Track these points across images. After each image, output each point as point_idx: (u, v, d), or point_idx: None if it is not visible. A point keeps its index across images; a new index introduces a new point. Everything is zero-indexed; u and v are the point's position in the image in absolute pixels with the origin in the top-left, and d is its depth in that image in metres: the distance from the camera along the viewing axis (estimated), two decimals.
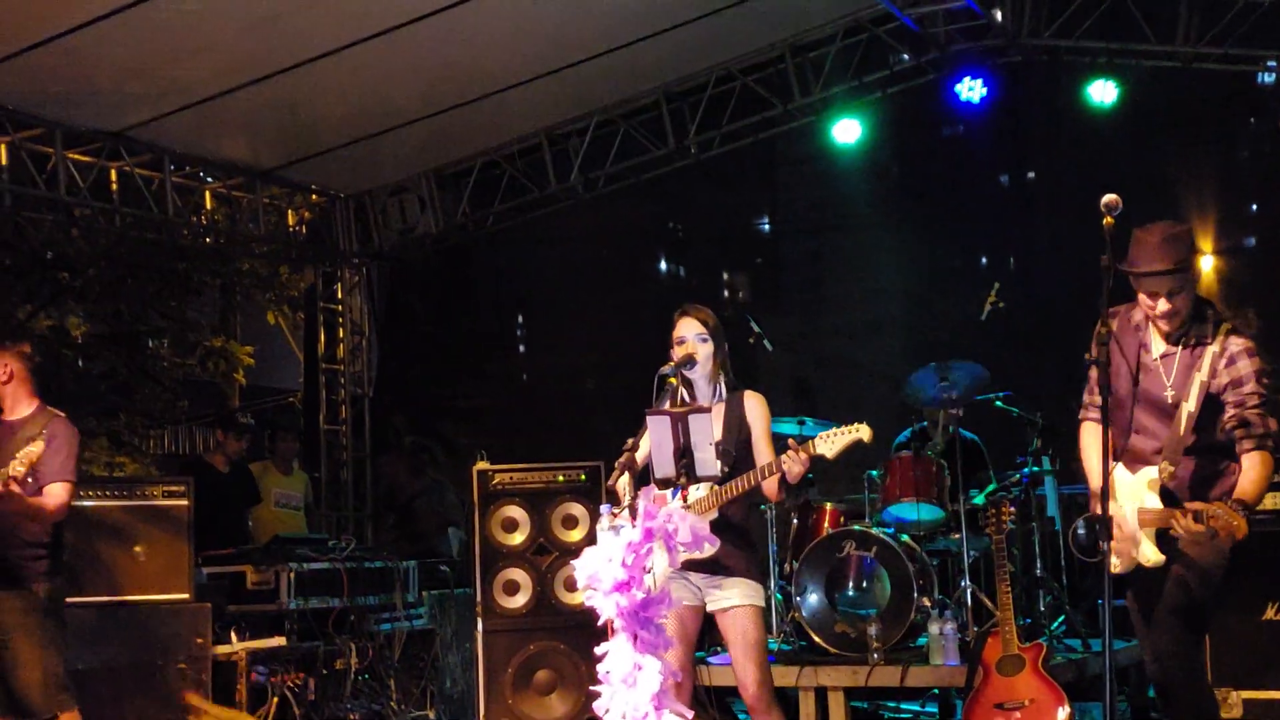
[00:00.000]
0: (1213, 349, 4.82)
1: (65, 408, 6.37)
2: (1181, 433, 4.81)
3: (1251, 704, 6.64)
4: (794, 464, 5.14)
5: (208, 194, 10.65)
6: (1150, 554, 4.81)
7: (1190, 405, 4.81)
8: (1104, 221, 4.63)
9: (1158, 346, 4.93)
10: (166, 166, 9.99)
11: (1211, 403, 4.81)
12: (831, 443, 5.17)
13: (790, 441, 5.24)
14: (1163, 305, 4.82)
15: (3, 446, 5.94)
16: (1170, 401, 4.86)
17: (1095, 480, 4.87)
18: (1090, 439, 5.06)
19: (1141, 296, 4.87)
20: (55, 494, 5.97)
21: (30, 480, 5.80)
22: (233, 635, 7.79)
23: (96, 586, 7.35)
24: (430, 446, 11.57)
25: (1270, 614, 6.64)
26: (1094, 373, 4.84)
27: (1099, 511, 4.63)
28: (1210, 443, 4.85)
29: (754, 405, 5.46)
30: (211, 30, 8.31)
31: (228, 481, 9.22)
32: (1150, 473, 4.84)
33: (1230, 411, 4.79)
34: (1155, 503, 4.81)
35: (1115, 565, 4.78)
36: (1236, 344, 4.81)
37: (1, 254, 12.60)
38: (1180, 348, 4.87)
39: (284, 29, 8.46)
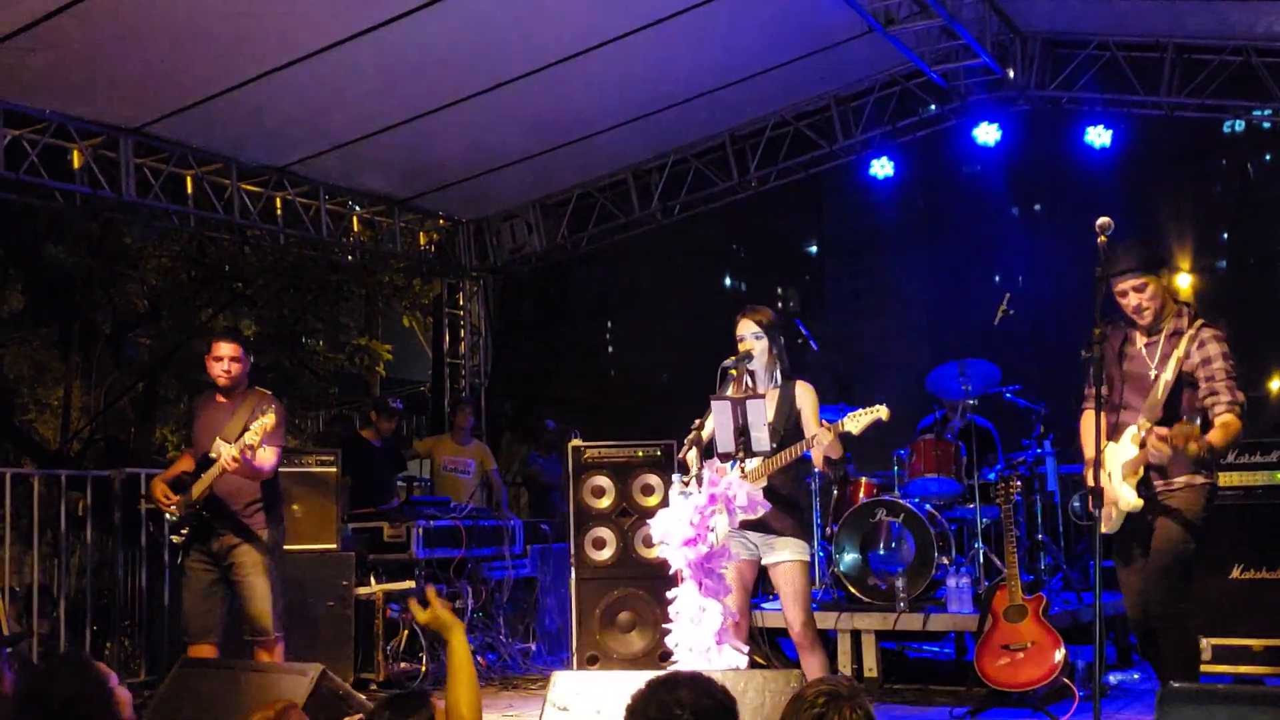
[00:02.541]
0: (1188, 333, 4.75)
1: None
2: (1159, 396, 4.75)
3: (1219, 649, 6.50)
4: (824, 436, 5.16)
5: (355, 219, 10.72)
6: (1129, 497, 4.75)
7: (1168, 375, 4.75)
8: (1099, 240, 4.55)
9: (1140, 339, 4.87)
10: (321, 196, 10.07)
11: (1184, 379, 4.74)
12: (857, 421, 5.16)
13: (822, 422, 5.25)
14: (1133, 299, 4.75)
15: (226, 421, 5.99)
16: (1152, 378, 4.79)
17: (1090, 454, 4.81)
18: (1087, 423, 4.96)
19: (1120, 299, 4.79)
20: (266, 458, 5.98)
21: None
22: (371, 579, 7.87)
23: None
24: (554, 431, 11.32)
25: (1236, 574, 6.48)
26: (1091, 368, 4.79)
27: (1092, 481, 4.56)
28: (1182, 411, 4.75)
29: (803, 392, 5.42)
30: (353, 87, 8.36)
31: (378, 453, 9.28)
32: (1131, 429, 4.79)
33: (1203, 386, 4.72)
34: (1134, 453, 4.75)
35: (1103, 527, 4.76)
36: (1207, 332, 4.76)
37: (188, 267, 12.86)
38: (1162, 336, 4.80)
39: (412, 86, 8.49)
